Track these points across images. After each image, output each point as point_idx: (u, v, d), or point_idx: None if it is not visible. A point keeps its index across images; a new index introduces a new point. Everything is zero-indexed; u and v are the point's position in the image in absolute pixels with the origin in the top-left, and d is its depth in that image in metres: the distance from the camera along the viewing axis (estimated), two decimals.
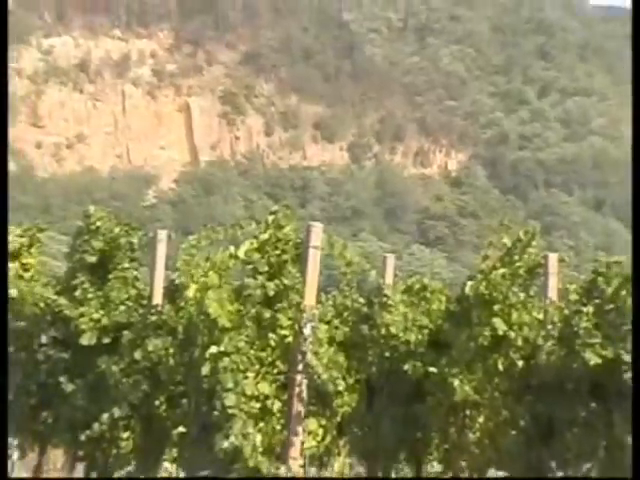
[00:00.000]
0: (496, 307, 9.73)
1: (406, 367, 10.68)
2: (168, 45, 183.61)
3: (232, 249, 8.74)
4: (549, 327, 9.77)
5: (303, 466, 8.41)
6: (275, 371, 8.39)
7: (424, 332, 11.00)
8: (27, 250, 11.39)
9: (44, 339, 10.47)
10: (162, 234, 10.39)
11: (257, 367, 8.31)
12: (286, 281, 8.55)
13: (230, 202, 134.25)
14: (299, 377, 8.29)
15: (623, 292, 9.54)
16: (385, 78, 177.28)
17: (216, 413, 8.16)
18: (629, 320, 9.39)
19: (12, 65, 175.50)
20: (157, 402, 9.15)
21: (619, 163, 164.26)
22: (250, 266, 8.62)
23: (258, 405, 8.20)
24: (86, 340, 9.99)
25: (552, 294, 10.18)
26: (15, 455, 11.63)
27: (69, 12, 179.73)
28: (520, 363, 9.71)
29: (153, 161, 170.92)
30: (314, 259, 8.55)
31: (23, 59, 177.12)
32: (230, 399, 8.08)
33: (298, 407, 8.29)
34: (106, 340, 9.94)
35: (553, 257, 10.43)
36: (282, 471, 8.15)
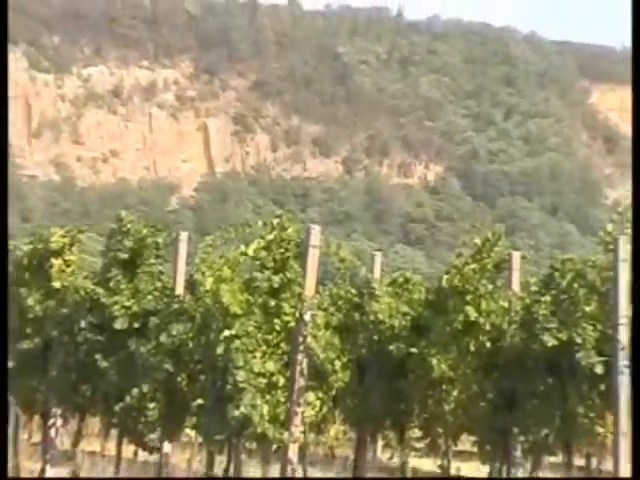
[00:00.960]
0: (468, 297, 9.73)
1: (391, 348, 10.68)
2: (189, 74, 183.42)
3: (243, 247, 8.73)
4: (512, 314, 9.78)
5: (303, 432, 8.42)
6: (279, 351, 8.38)
7: (406, 318, 10.99)
8: (69, 248, 11.34)
9: (83, 324, 10.47)
10: (183, 235, 10.40)
11: (264, 348, 8.30)
12: (289, 275, 8.54)
13: (241, 207, 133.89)
14: (300, 357, 8.29)
15: (575, 285, 9.56)
16: (373, 102, 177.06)
17: (229, 387, 8.16)
18: (580, 308, 9.42)
19: (57, 91, 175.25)
20: (179, 378, 9.15)
21: (572, 175, 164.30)
22: (258, 262, 8.60)
23: (265, 380, 8.19)
24: (119, 325, 9.99)
25: (515, 286, 10.20)
26: (59, 422, 11.63)
27: (105, 46, 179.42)
28: (488, 344, 9.71)
29: (176, 172, 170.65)
30: (313, 256, 8.55)
31: (66, 86, 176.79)
32: (241, 375, 8.08)
33: (299, 382, 8.28)
34: (136, 325, 9.93)
35: (516, 255, 10.46)
36: (285, 436, 8.16)
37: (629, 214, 9.96)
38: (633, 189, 8.21)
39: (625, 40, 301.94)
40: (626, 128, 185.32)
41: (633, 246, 7.85)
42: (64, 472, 11.55)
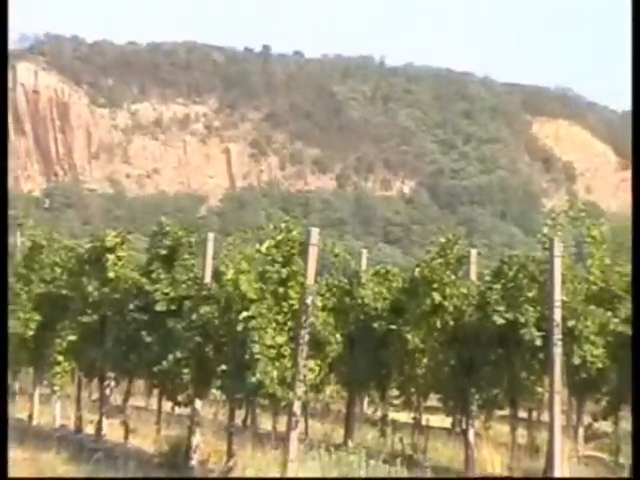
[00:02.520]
0: (435, 285, 9.70)
1: (375, 325, 10.68)
2: (214, 109, 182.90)
3: (257, 246, 8.71)
4: (470, 298, 9.74)
5: (305, 392, 8.37)
6: (286, 328, 8.34)
7: (386, 302, 10.99)
8: (120, 246, 11.28)
9: (131, 306, 10.43)
10: (210, 236, 10.34)
11: (274, 325, 8.26)
12: (294, 268, 8.50)
13: (256, 214, 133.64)
14: (303, 332, 8.25)
15: (520, 275, 9.53)
16: (360, 131, 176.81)
17: (246, 357, 8.11)
18: (524, 294, 9.37)
19: (111, 122, 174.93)
20: (207, 349, 9.11)
21: (517, 188, 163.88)
22: (269, 257, 8.55)
23: (274, 351, 8.14)
24: (159, 307, 9.93)
25: (472, 276, 10.15)
26: (112, 383, 11.60)
27: (148, 87, 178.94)
28: (451, 323, 9.68)
29: (204, 187, 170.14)
30: (313, 253, 8.51)
31: (118, 118, 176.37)
32: (256, 348, 8.04)
33: (302, 352, 8.25)
34: (172, 307, 9.87)
35: (473, 252, 10.42)
36: (291, 395, 8.12)
37: (561, 219, 9.95)
38: (633, 190, 7.47)
39: (558, 81, 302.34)
40: (559, 152, 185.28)
41: (633, 247, 7.26)
42: (116, 422, 11.53)
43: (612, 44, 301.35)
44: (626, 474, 9.24)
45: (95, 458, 8.96)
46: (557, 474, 8.76)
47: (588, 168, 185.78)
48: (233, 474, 8.49)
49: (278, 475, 7.95)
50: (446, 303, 9.63)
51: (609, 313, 10.32)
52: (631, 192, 7.50)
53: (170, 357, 9.15)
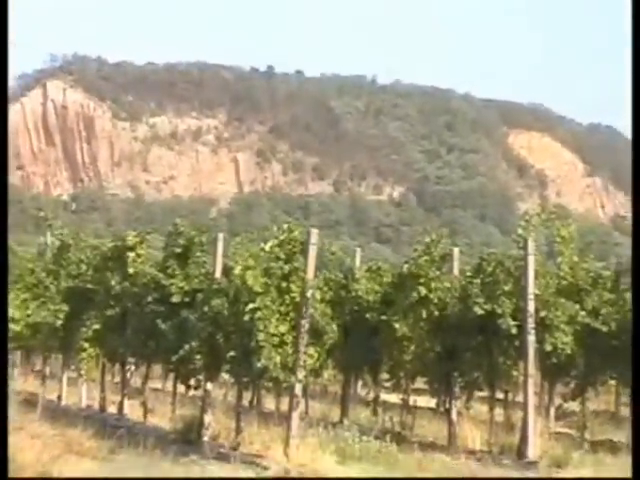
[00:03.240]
0: (421, 280, 9.69)
1: (367, 316, 10.66)
2: (224, 122, 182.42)
3: (262, 245, 8.69)
4: (453, 291, 9.75)
5: (305, 376, 8.35)
6: (289, 318, 8.30)
7: (378, 295, 10.97)
8: (139, 245, 11.22)
9: (149, 298, 10.39)
10: (220, 236, 10.29)
11: (277, 316, 8.23)
12: (296, 264, 8.47)
13: (261, 216, 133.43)
14: (303, 322, 8.23)
15: (497, 271, 9.53)
16: (355, 142, 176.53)
17: (252, 344, 8.07)
18: (501, 287, 9.36)
19: (131, 134, 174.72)
20: (217, 337, 9.06)
21: (495, 193, 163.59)
22: (273, 255, 8.54)
23: (278, 339, 8.11)
24: (174, 299, 9.90)
25: (455, 272, 10.15)
26: (132, 368, 11.58)
27: (165, 102, 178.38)
28: (436, 313, 9.67)
29: (215, 191, 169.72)
30: (312, 251, 8.49)
31: (138, 130, 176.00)
32: (261, 336, 8.00)
33: (303, 340, 8.25)
34: (186, 299, 9.83)
35: (456, 250, 10.41)
36: (293, 379, 8.10)
37: (534, 221, 9.95)
38: (633, 192, 7.02)
39: (530, 97, 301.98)
40: (532, 160, 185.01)
41: (633, 247, 6.95)
42: (136, 403, 11.50)
43: (578, 64, 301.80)
44: (586, 448, 9.25)
45: (117, 434, 8.94)
46: (531, 448, 8.79)
47: (558, 175, 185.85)
48: (240, 449, 8.48)
49: (281, 449, 7.94)
50: (431, 296, 9.62)
51: (577, 305, 10.35)
52: (631, 191, 7.06)
53: (185, 345, 9.09)
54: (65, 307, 12.17)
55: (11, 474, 6.16)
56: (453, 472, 8.10)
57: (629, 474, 6.04)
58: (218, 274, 9.71)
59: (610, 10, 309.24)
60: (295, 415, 8.18)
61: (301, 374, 8.14)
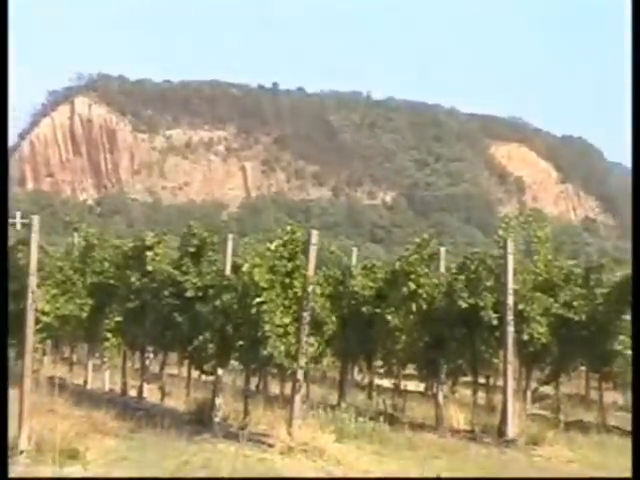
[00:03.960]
0: (412, 276, 9.66)
1: (363, 309, 10.64)
2: (233, 133, 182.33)
3: (268, 244, 8.68)
4: (440, 287, 9.74)
5: (307, 363, 8.34)
6: (292, 311, 8.27)
7: (373, 290, 10.95)
8: (157, 245, 11.15)
9: (166, 293, 10.37)
10: (230, 236, 10.29)
11: (281, 309, 8.20)
12: (298, 262, 8.44)
13: (267, 219, 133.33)
14: (305, 314, 8.23)
15: (480, 268, 9.52)
16: (351, 152, 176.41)
17: (259, 334, 8.05)
18: (483, 283, 9.35)
19: (149, 145, 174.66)
20: (227, 328, 9.07)
21: (478, 198, 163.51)
22: (277, 254, 8.53)
23: (282, 330, 8.09)
24: (189, 294, 9.86)
25: (442, 269, 10.16)
26: (151, 356, 11.57)
27: (180, 116, 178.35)
28: (424, 307, 9.65)
29: (226, 197, 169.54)
30: (313, 250, 8.47)
31: (155, 142, 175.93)
32: (267, 327, 7.99)
33: (304, 331, 8.23)
34: (200, 294, 9.81)
35: (442, 249, 10.41)
36: (295, 365, 8.07)
37: (513, 223, 9.95)
38: (633, 193, 6.61)
39: (510, 111, 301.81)
40: (511, 169, 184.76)
41: (633, 246, 6.61)
42: (154, 387, 11.50)
43: (554, 81, 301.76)
44: (563, 428, 9.25)
45: (137, 415, 8.94)
46: (510, 428, 8.79)
47: (534, 181, 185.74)
48: (248, 429, 8.48)
49: (284, 429, 7.93)
50: (420, 291, 9.59)
51: (551, 299, 10.36)
52: (631, 193, 6.58)
53: (198, 335, 9.07)
54: (90, 301, 12.17)
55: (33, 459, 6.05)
56: (439, 448, 8.10)
57: (604, 456, 5.80)
58: (228, 271, 9.70)
59: (585, 28, 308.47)
60: (297, 398, 8.16)
61: (303, 361, 8.13)
